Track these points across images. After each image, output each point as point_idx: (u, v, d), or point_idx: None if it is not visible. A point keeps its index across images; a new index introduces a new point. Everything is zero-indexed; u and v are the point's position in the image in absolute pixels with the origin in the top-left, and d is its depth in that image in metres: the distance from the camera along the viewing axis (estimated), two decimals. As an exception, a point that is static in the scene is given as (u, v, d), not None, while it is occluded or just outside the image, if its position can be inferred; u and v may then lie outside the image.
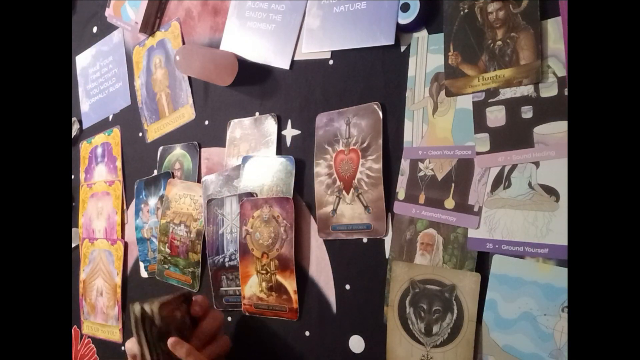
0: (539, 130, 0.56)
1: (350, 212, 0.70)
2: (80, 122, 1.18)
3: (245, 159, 0.82)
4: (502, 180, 0.58)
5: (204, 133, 0.90)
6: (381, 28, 0.68)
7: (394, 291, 0.65)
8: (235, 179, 0.83)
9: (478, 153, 0.60)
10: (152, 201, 0.98)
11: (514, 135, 0.58)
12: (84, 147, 1.16)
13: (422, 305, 0.63)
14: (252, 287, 0.79)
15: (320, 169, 0.74)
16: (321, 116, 0.75)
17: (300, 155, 0.76)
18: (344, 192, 0.71)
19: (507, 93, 0.59)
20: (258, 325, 0.80)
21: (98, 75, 1.14)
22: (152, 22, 1.00)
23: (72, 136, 1.18)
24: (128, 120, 1.06)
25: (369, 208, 0.68)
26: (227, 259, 0.83)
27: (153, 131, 1.00)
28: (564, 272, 0.53)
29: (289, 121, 0.79)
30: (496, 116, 0.59)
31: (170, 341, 0.65)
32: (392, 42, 0.67)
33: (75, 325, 1.14)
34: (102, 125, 1.12)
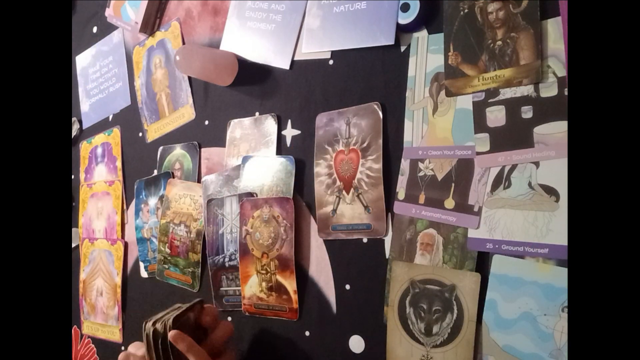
0: (539, 130, 0.56)
1: (350, 212, 0.70)
2: (80, 122, 1.18)
3: (245, 159, 0.82)
4: (502, 180, 0.58)
5: (204, 133, 0.90)
6: (381, 28, 0.68)
7: (394, 291, 0.65)
8: (235, 179, 0.83)
9: (478, 153, 0.60)
10: (152, 201, 0.98)
11: (514, 135, 0.58)
12: (84, 147, 1.16)
13: (422, 305, 0.63)
14: (252, 287, 0.79)
15: (320, 169, 0.74)
16: (321, 116, 0.75)
17: (300, 155, 0.76)
18: (344, 192, 0.71)
19: (507, 93, 0.59)
20: (258, 325, 0.80)
21: (98, 75, 1.14)
22: (152, 22, 1.00)
23: (72, 136, 1.18)
24: (128, 120, 1.06)
25: (369, 208, 0.68)
26: (227, 259, 0.83)
27: (153, 131, 1.00)
28: (564, 272, 0.53)
29: (289, 121, 0.79)
30: (496, 116, 0.59)
31: (172, 334, 0.64)
32: (392, 42, 0.67)
33: (75, 325, 1.14)
34: (102, 125, 1.12)
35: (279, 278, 0.76)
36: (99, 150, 1.12)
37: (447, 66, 0.63)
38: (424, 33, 0.66)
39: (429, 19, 0.65)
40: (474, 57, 0.61)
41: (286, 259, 0.75)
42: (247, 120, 0.84)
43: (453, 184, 0.62)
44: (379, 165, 0.68)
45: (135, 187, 1.02)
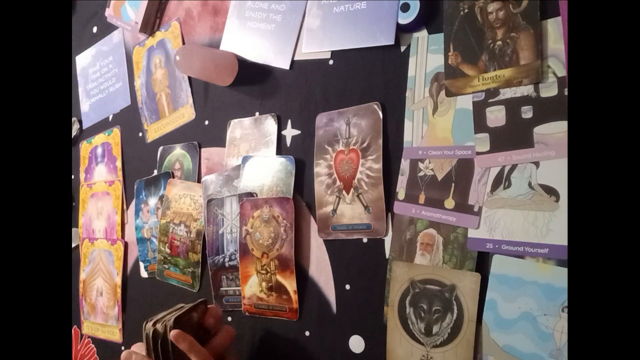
0: (539, 130, 0.56)
1: (350, 212, 0.70)
2: (80, 122, 1.18)
3: (245, 159, 0.82)
4: (502, 180, 0.58)
5: (204, 133, 0.90)
6: (381, 28, 0.68)
7: (394, 291, 0.65)
8: (235, 179, 0.83)
9: (478, 153, 0.60)
10: (152, 201, 0.98)
11: (514, 135, 0.58)
12: (84, 147, 1.16)
13: (422, 305, 0.63)
14: (252, 287, 0.79)
15: (320, 169, 0.74)
16: (321, 116, 0.75)
17: (300, 155, 0.76)
18: (344, 192, 0.71)
19: (507, 93, 0.59)
20: (258, 325, 0.80)
21: (98, 75, 1.14)
22: (152, 22, 1.00)
23: (72, 136, 1.18)
24: (128, 120, 1.06)
25: (369, 208, 0.68)
26: (227, 259, 0.83)
27: (153, 131, 1.00)
28: (564, 272, 0.53)
29: (289, 121, 0.79)
30: (496, 116, 0.59)
31: (173, 333, 0.63)
32: (392, 42, 0.67)
33: (75, 325, 1.14)
34: (102, 125, 1.12)
35: (279, 278, 0.76)
36: (99, 150, 1.12)
37: (447, 66, 0.63)
38: (424, 33, 0.66)
39: (429, 19, 0.65)
40: (474, 57, 0.61)
41: (286, 259, 0.75)
42: (247, 120, 0.84)
43: (453, 184, 0.62)
44: (379, 165, 0.68)
45: (135, 187, 1.02)
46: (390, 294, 0.65)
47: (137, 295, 1.01)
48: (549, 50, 0.56)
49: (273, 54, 0.81)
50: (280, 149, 0.79)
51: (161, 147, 0.98)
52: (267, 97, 0.82)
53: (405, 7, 0.66)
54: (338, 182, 0.72)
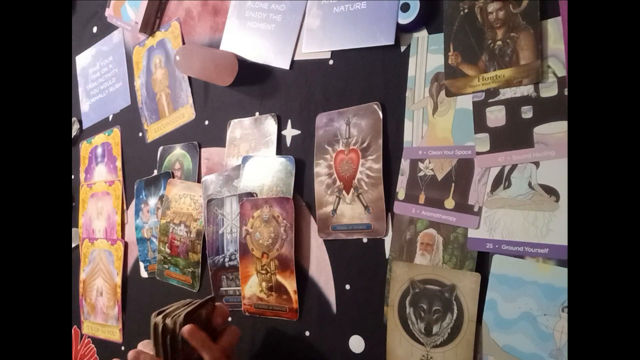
0: (539, 130, 0.56)
1: (350, 212, 0.70)
2: (80, 122, 1.18)
3: (245, 159, 0.82)
4: (502, 180, 0.58)
5: (204, 133, 0.90)
6: (381, 28, 0.68)
7: (394, 291, 0.65)
8: (235, 179, 0.83)
9: (478, 153, 0.60)
10: (152, 201, 0.98)
11: (514, 135, 0.58)
12: (84, 147, 1.16)
13: (422, 305, 0.63)
14: (252, 287, 0.79)
15: (320, 169, 0.74)
16: (321, 116, 0.75)
17: (300, 155, 0.76)
18: (344, 192, 0.71)
19: (507, 93, 0.59)
20: (258, 325, 0.80)
21: (98, 75, 1.14)
22: (152, 22, 1.00)
23: (72, 136, 1.18)
24: (128, 120, 1.06)
25: (369, 208, 0.68)
26: (227, 259, 0.83)
27: (153, 131, 1.00)
28: (564, 272, 0.53)
29: (289, 121, 0.79)
30: (496, 116, 0.59)
31: (186, 328, 0.63)
32: (392, 42, 0.67)
33: (75, 325, 1.14)
34: (102, 125, 1.12)
35: (279, 278, 0.76)
36: (99, 150, 1.12)
37: (447, 66, 0.63)
38: (424, 33, 0.66)
39: (429, 19, 0.65)
40: (474, 57, 0.61)
41: (286, 259, 0.75)
42: (247, 120, 0.84)
43: (453, 184, 0.62)
44: (379, 165, 0.68)
45: (135, 187, 1.02)
46: (390, 294, 0.65)
47: (137, 295, 1.01)
48: (549, 50, 0.56)
49: (273, 54, 0.81)
50: (280, 149, 0.79)
51: (161, 147, 0.98)
52: (267, 97, 0.82)
53: (405, 7, 0.66)
54: (338, 182, 0.72)
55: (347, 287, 0.71)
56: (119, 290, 1.03)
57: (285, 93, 0.80)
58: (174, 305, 0.68)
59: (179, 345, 0.64)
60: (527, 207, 0.56)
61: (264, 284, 0.77)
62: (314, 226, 0.74)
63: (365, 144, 0.69)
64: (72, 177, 1.18)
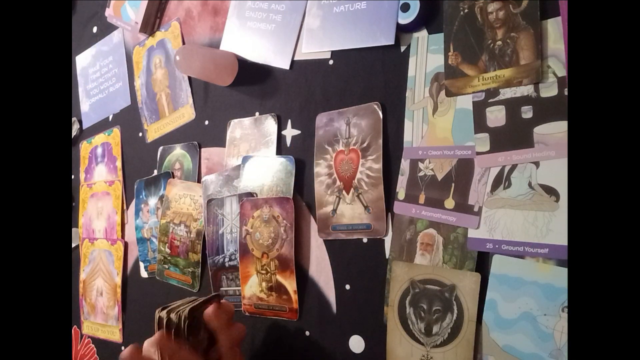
0: (539, 130, 0.56)
1: (350, 212, 0.70)
2: (80, 122, 1.18)
3: (245, 159, 0.82)
4: (502, 180, 0.58)
5: (204, 133, 0.90)
6: (381, 28, 0.68)
7: (394, 291, 0.65)
8: (235, 179, 0.83)
9: (478, 153, 0.60)
10: (152, 201, 0.98)
11: (514, 135, 0.58)
12: (84, 147, 1.16)
13: (422, 305, 0.63)
14: (252, 287, 0.79)
15: (320, 169, 0.74)
16: (321, 116, 0.75)
17: (300, 155, 0.76)
18: (344, 192, 0.71)
19: (507, 93, 0.59)
20: (258, 325, 0.80)
21: (98, 75, 1.14)
22: (152, 22, 1.00)
23: (72, 136, 1.18)
24: (128, 120, 1.06)
25: (369, 208, 0.68)
26: (227, 259, 0.83)
27: (153, 131, 1.00)
28: (564, 272, 0.53)
29: (289, 121, 0.79)
30: (496, 116, 0.59)
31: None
32: (392, 42, 0.67)
33: (75, 325, 1.14)
34: (102, 125, 1.12)
35: (279, 278, 0.76)
36: (99, 150, 1.12)
37: (447, 66, 0.63)
38: (424, 33, 0.66)
39: (429, 19, 0.65)
40: (474, 57, 0.61)
41: (286, 259, 0.75)
42: (247, 120, 0.84)
43: (453, 184, 0.62)
44: (379, 165, 0.68)
45: (135, 187, 1.02)
46: (390, 294, 0.65)
47: (137, 295, 1.01)
48: (549, 50, 0.56)
49: (273, 54, 0.81)
50: (280, 149, 0.79)
51: (161, 147, 0.98)
52: (267, 97, 0.82)
53: (405, 7, 0.66)
54: (338, 182, 0.72)
55: (347, 287, 0.71)
56: (119, 290, 1.03)
57: (285, 93, 0.80)
58: (178, 302, 0.69)
59: (182, 337, 0.64)
60: (527, 207, 0.56)
61: (264, 284, 0.77)
62: (314, 226, 0.74)
63: (365, 144, 0.69)
64: (72, 177, 1.19)
